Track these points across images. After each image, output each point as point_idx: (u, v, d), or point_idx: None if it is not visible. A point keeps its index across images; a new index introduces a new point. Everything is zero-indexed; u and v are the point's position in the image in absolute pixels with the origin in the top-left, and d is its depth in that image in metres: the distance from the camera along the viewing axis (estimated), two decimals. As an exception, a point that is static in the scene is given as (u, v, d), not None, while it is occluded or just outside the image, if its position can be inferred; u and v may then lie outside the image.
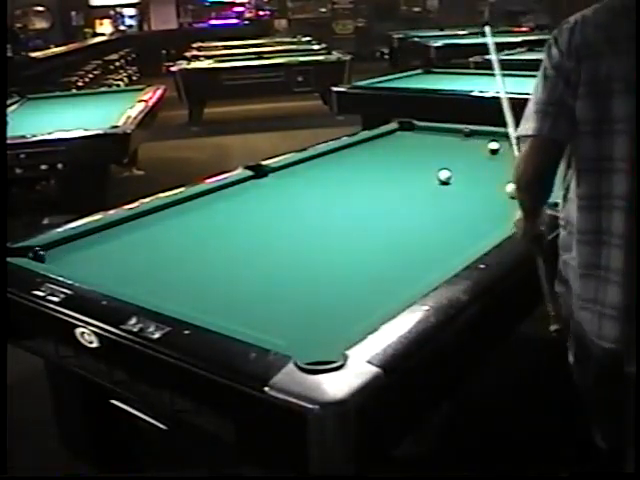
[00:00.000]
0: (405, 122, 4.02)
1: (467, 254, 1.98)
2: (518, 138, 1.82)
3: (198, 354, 1.55)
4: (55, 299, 1.85)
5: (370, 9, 15.86)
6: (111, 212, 2.61)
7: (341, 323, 1.67)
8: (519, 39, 9.52)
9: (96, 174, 4.75)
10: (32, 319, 1.98)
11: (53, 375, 2.37)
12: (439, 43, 10.00)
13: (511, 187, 2.58)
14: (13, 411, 2.28)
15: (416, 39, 11.32)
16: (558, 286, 1.87)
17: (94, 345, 1.75)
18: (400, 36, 12.33)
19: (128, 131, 4.60)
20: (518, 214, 1.93)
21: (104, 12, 15.13)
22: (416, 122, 4.02)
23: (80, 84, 9.37)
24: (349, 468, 1.38)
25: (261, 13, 15.81)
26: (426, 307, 1.67)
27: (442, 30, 12.25)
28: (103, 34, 14.47)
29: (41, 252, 2.21)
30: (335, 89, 6.12)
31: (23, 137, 4.43)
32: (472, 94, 5.10)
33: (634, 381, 1.76)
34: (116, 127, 4.63)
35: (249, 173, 3.10)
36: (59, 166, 4.40)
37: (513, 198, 2.55)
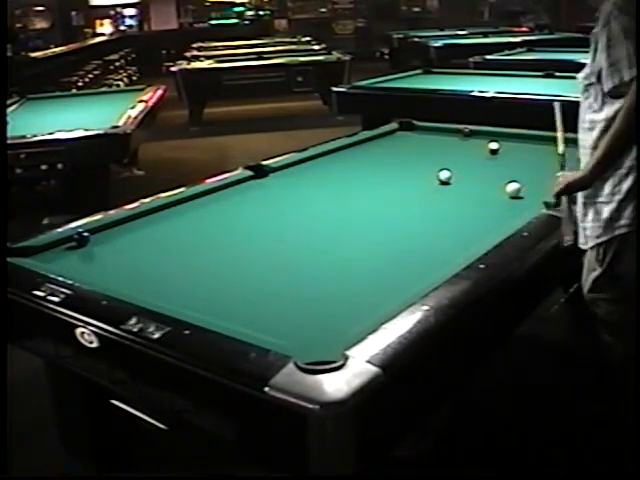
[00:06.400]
0: (405, 122, 4.02)
1: (467, 254, 1.98)
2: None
3: (198, 354, 1.55)
4: (55, 299, 1.85)
5: (370, 9, 15.87)
6: (111, 212, 2.61)
7: (341, 323, 1.67)
8: (519, 39, 9.53)
9: (96, 174, 4.75)
10: (32, 319, 1.98)
11: (53, 375, 2.37)
12: (439, 43, 10.00)
13: (511, 187, 2.58)
14: (13, 411, 2.28)
15: (416, 39, 11.32)
16: None
17: (94, 345, 1.75)
18: (400, 36, 12.34)
19: (128, 131, 4.60)
20: (571, 174, 2.17)
21: (104, 12, 15.14)
22: (416, 122, 4.02)
23: (80, 84, 9.39)
24: (349, 468, 1.38)
25: (261, 13, 15.83)
26: (426, 307, 1.66)
27: (442, 30, 12.25)
28: (103, 34, 14.49)
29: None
30: (335, 89, 6.12)
31: (23, 137, 4.43)
32: (472, 94, 5.10)
33: None
34: (116, 127, 4.63)
35: (249, 173, 3.10)
36: (59, 166, 4.40)
37: (513, 198, 2.57)
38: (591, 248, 2.17)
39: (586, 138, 2.14)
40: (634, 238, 2.06)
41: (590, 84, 2.10)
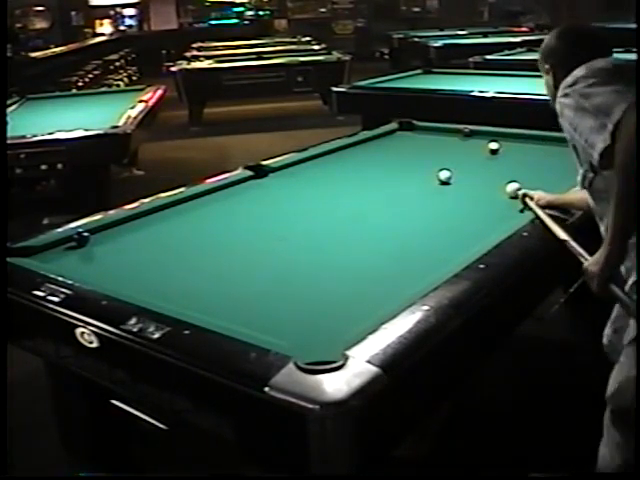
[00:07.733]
0: (405, 122, 4.02)
1: (467, 254, 1.98)
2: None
3: (198, 354, 1.55)
4: (55, 299, 1.85)
5: (370, 9, 15.88)
6: (111, 212, 2.61)
7: (341, 323, 1.67)
8: (519, 39, 9.54)
9: (96, 174, 4.76)
10: (32, 319, 1.98)
11: (53, 375, 2.37)
12: (439, 43, 10.01)
13: (511, 187, 2.58)
14: (13, 411, 2.28)
15: (416, 39, 11.34)
16: None
17: (94, 345, 1.74)
18: (400, 36, 12.36)
19: (128, 131, 4.60)
20: (597, 258, 1.78)
21: (104, 12, 15.16)
22: (416, 122, 4.01)
23: (80, 84, 9.39)
24: (349, 468, 1.38)
25: (261, 13, 15.84)
26: (426, 307, 1.66)
27: (442, 30, 12.25)
28: (103, 34, 14.51)
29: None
30: (335, 89, 6.12)
31: (23, 137, 4.43)
32: (472, 94, 5.10)
33: None
34: (116, 127, 4.63)
35: (249, 173, 3.10)
36: (59, 166, 4.40)
37: (513, 198, 2.57)
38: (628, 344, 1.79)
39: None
40: None
41: (591, 183, 1.86)
